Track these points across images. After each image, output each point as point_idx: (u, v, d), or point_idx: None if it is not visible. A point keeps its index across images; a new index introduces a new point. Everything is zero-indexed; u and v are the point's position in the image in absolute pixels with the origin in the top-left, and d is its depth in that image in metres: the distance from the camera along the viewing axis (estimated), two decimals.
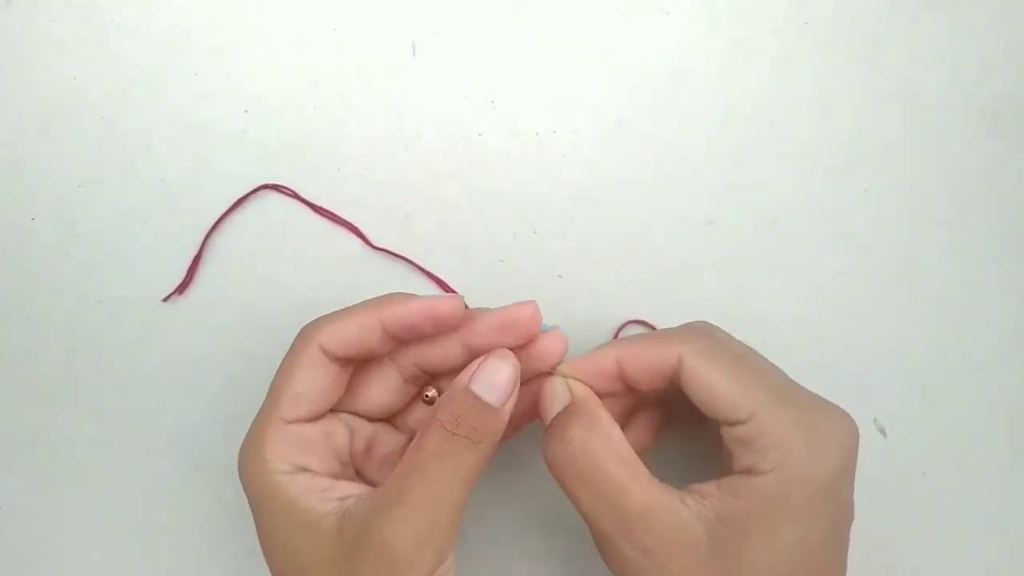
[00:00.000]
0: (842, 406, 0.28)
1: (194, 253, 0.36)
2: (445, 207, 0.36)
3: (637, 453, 0.29)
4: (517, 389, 0.27)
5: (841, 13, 0.38)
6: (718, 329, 0.30)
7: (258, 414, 0.29)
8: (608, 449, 0.27)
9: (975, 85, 0.38)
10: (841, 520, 0.27)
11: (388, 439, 0.31)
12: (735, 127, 0.37)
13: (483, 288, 0.35)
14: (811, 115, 0.37)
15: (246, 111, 0.37)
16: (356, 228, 0.36)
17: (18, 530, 0.35)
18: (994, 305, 0.37)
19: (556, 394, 0.29)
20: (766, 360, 0.29)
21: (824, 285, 0.37)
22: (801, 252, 0.37)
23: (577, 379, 0.29)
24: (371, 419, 0.31)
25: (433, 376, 0.31)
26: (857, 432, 0.27)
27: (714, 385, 0.27)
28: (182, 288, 0.35)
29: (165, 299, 0.35)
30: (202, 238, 0.36)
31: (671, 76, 0.37)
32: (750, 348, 0.29)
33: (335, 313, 0.29)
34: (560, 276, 0.36)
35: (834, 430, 0.26)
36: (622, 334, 0.36)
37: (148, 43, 0.37)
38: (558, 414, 0.28)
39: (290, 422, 0.28)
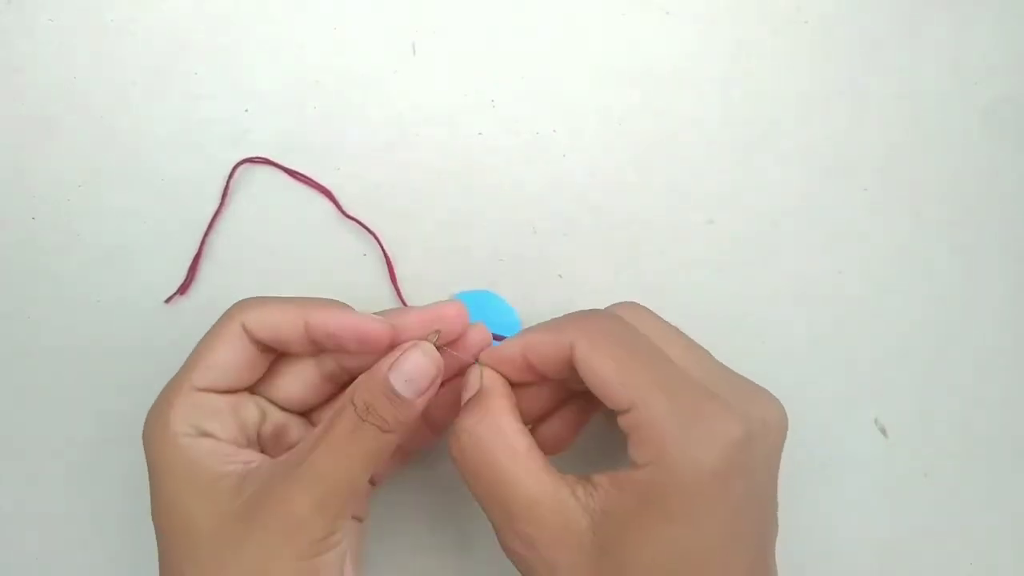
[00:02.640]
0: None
1: (194, 253, 0.36)
2: (445, 207, 0.36)
3: (560, 440, 0.29)
4: (437, 383, 0.27)
5: (841, 13, 0.38)
6: (638, 310, 0.29)
7: (169, 381, 0.28)
8: (497, 441, 0.26)
9: (975, 85, 0.38)
10: (739, 518, 0.25)
11: (300, 430, 0.30)
12: (735, 127, 0.37)
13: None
14: (811, 115, 0.37)
15: (246, 111, 0.37)
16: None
17: (18, 530, 0.35)
18: (994, 305, 0.37)
19: (470, 384, 0.28)
20: (685, 346, 0.28)
21: (824, 285, 0.37)
22: (801, 252, 0.37)
23: (493, 368, 0.29)
24: (286, 409, 0.30)
25: (353, 376, 0.30)
26: (778, 424, 0.26)
27: (599, 372, 0.26)
28: (183, 288, 0.35)
29: (167, 300, 0.35)
30: (201, 237, 0.36)
31: (671, 76, 0.37)
32: (671, 332, 0.28)
33: (269, 297, 0.29)
34: (560, 276, 0.36)
35: (722, 423, 0.24)
36: None
37: (148, 43, 0.37)
38: (464, 404, 0.28)
39: (200, 390, 0.28)
